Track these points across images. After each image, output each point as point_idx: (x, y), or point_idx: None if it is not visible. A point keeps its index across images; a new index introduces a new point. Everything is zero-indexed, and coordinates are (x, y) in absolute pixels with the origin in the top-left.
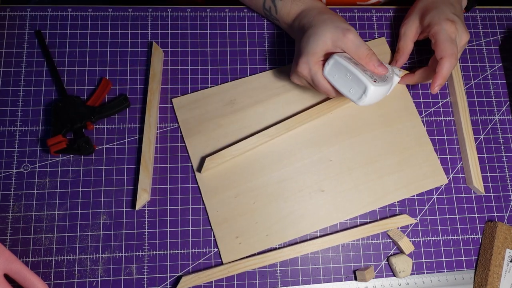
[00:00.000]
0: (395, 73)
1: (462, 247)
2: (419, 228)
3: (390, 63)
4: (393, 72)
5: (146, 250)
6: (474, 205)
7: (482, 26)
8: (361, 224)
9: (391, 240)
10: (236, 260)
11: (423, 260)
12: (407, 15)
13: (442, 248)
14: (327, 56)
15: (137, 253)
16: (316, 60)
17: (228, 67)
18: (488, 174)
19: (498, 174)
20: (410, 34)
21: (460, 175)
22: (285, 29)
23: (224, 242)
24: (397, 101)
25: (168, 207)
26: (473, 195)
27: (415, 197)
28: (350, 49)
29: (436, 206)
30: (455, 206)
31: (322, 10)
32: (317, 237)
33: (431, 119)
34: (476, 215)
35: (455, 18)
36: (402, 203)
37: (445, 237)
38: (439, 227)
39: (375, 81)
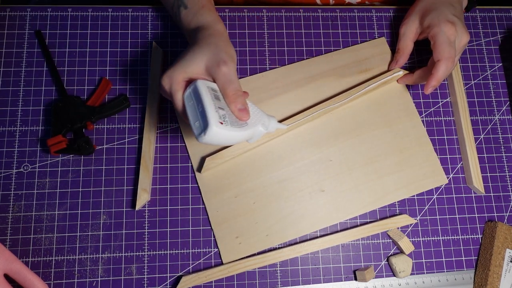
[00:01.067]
0: (265, 124)
1: (462, 247)
2: (419, 228)
3: (390, 63)
4: (260, 122)
5: (146, 250)
6: (474, 205)
7: (482, 26)
8: (361, 224)
9: (391, 240)
10: (236, 260)
11: (423, 260)
12: (406, 15)
13: (442, 248)
14: (194, 79)
15: (137, 253)
16: (181, 78)
17: None
18: (488, 174)
19: (498, 174)
20: (409, 34)
21: (460, 175)
22: (185, 35)
23: (224, 242)
24: (397, 101)
25: (168, 207)
26: (473, 195)
27: (415, 197)
28: (219, 81)
29: (436, 206)
30: (455, 206)
31: (215, 33)
32: (317, 237)
33: (431, 119)
34: (476, 215)
35: (455, 20)
36: (402, 203)
37: (445, 237)
38: (439, 227)
39: (221, 123)
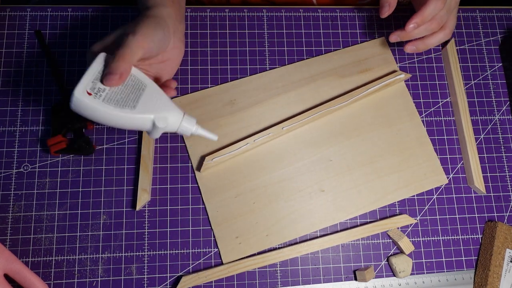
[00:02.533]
0: (165, 119)
1: (462, 247)
2: (419, 228)
3: (382, 10)
4: (156, 113)
5: (146, 250)
6: (474, 205)
7: (482, 26)
8: (361, 224)
9: (391, 240)
10: (236, 260)
11: (423, 260)
12: None
13: (442, 248)
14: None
15: (137, 253)
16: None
17: (228, 67)
18: (488, 174)
19: (498, 174)
20: None
21: (460, 175)
22: None
23: (224, 242)
24: (397, 101)
25: (168, 207)
26: (473, 195)
27: (415, 197)
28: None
29: (436, 206)
30: (455, 206)
31: (149, 13)
32: (317, 237)
33: (431, 119)
34: (476, 215)
35: None
36: (402, 203)
37: (445, 237)
38: (439, 227)
39: (90, 93)
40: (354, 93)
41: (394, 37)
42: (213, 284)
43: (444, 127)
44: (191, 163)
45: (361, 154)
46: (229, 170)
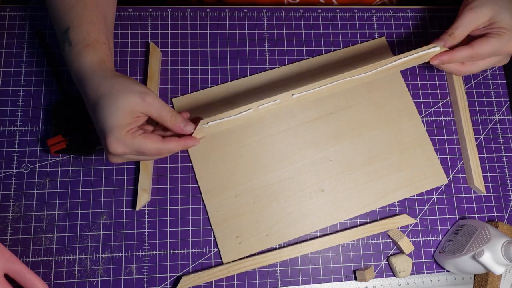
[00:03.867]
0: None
1: None
2: (419, 228)
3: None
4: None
5: (146, 250)
6: (474, 205)
7: None
8: (361, 224)
9: (391, 240)
10: (236, 260)
11: (423, 260)
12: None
13: None
14: (133, 124)
15: (137, 253)
16: (125, 132)
17: (228, 67)
18: (488, 174)
19: (498, 174)
20: (472, 26)
21: (460, 175)
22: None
23: (224, 242)
24: (397, 101)
25: (168, 207)
26: (473, 195)
27: (415, 197)
28: (152, 113)
29: (436, 206)
30: (455, 206)
31: (109, 75)
32: (317, 237)
33: (431, 119)
34: (476, 215)
35: None
36: (402, 203)
37: None
38: (439, 227)
39: (440, 252)
40: (380, 63)
41: (437, 62)
42: (213, 284)
43: (444, 127)
44: (191, 163)
45: (361, 154)
46: (229, 170)
